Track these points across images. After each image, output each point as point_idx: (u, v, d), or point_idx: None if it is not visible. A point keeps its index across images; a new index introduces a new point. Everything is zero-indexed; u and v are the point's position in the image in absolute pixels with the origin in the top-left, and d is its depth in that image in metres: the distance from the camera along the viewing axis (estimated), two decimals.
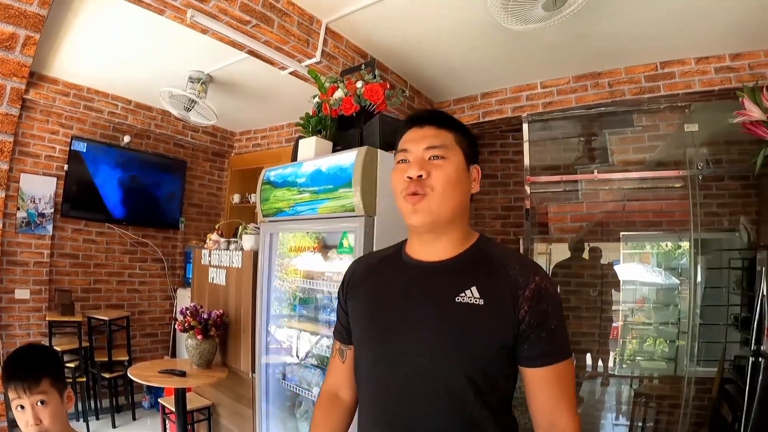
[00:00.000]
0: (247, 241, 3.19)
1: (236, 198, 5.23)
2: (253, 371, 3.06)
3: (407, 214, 1.15)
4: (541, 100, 3.56)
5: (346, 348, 1.30)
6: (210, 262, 3.58)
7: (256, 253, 2.95)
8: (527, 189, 3.62)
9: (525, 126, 3.62)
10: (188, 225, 5.33)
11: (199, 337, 3.18)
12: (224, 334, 3.37)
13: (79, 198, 4.41)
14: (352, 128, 2.44)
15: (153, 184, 4.92)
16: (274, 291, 2.68)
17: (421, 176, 1.12)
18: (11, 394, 1.38)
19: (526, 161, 3.60)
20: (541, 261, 3.94)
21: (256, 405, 2.67)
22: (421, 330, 1.11)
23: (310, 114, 2.55)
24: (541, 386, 1.07)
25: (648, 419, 3.72)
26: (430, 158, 1.14)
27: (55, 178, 4.29)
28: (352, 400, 1.31)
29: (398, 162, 1.19)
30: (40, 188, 4.21)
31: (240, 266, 3.24)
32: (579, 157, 3.96)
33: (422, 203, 1.11)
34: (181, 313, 3.29)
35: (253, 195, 4.82)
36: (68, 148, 4.33)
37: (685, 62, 3.18)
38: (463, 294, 1.09)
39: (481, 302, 1.08)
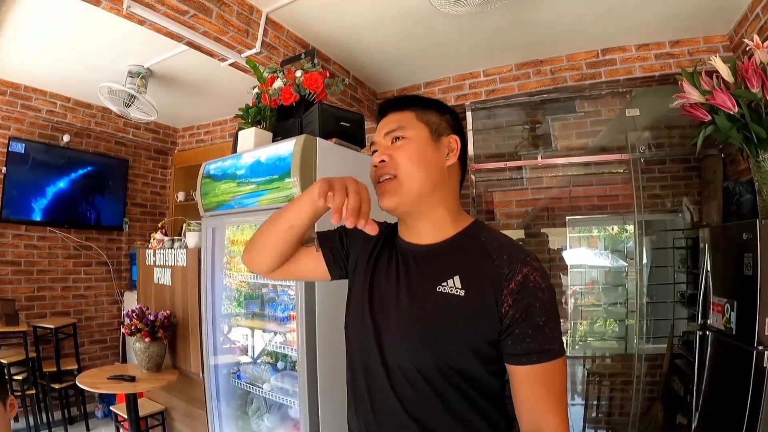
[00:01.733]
0: (192, 238, 3.12)
1: (181, 196, 5.11)
2: (203, 371, 3.01)
3: (378, 200, 1.10)
4: (484, 88, 3.60)
5: (317, 245, 1.28)
6: (155, 261, 3.50)
7: (200, 250, 2.89)
8: (472, 177, 3.65)
9: (468, 114, 3.66)
10: (133, 226, 5.17)
11: (147, 339, 3.11)
12: (173, 335, 3.30)
13: (18, 201, 4.22)
14: (292, 118, 2.41)
15: (95, 184, 4.75)
16: (225, 289, 2.62)
17: (383, 161, 1.10)
18: None
19: (471, 150, 3.64)
20: None
21: (208, 406, 2.62)
22: (399, 318, 1.09)
23: (250, 105, 2.50)
24: (525, 386, 1.00)
25: (602, 397, 3.83)
26: (392, 142, 1.12)
27: None
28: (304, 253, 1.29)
29: (371, 156, 1.16)
30: None
31: (185, 264, 3.18)
32: (523, 144, 4.02)
33: (387, 185, 1.09)
34: (127, 315, 3.21)
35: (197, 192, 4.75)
36: (6, 150, 4.14)
37: (626, 49, 3.26)
38: (444, 283, 1.05)
39: (462, 293, 1.03)
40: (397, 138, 1.11)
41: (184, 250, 3.19)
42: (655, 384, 3.55)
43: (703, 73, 2.39)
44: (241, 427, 2.61)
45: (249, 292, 2.51)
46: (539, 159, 3.69)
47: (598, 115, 3.88)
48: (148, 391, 3.57)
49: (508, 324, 0.98)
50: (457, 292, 1.03)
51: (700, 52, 3.08)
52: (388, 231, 1.24)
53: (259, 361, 2.54)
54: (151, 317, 3.15)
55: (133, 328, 3.12)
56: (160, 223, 3.74)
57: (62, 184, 4.49)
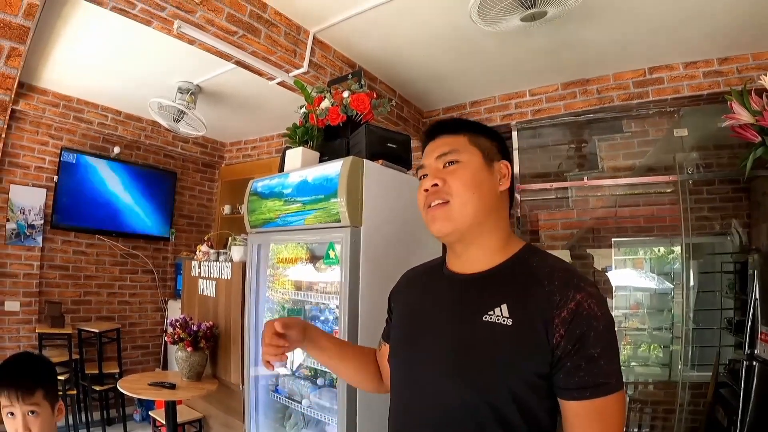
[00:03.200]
0: (237, 253, 3.18)
1: (227, 209, 5.22)
2: (243, 383, 3.04)
3: (428, 225, 1.09)
4: (530, 107, 3.57)
5: (382, 342, 1.31)
6: (200, 273, 3.57)
7: (245, 265, 2.94)
8: (518, 197, 3.61)
9: (514, 134, 3.63)
10: (179, 236, 5.31)
11: (189, 349, 3.17)
12: (214, 346, 3.35)
13: (69, 209, 4.38)
14: (339, 138, 2.43)
15: (143, 195, 4.89)
16: (266, 302, 2.65)
17: (436, 185, 1.06)
18: (3, 400, 1.38)
19: (516, 169, 3.60)
20: None
21: (246, 417, 2.64)
22: (442, 348, 1.03)
23: (297, 124, 2.54)
24: (576, 423, 0.92)
25: (644, 425, 3.71)
26: (444, 166, 1.08)
27: (45, 189, 4.27)
28: (376, 370, 1.34)
29: (419, 178, 1.13)
30: (30, 199, 4.19)
31: (229, 278, 3.23)
32: (568, 165, 3.96)
33: (439, 210, 1.05)
34: (171, 325, 3.27)
35: (243, 206, 4.83)
36: (58, 159, 4.31)
37: (674, 67, 3.19)
38: (491, 312, 0.98)
39: (510, 322, 0.96)
40: (451, 162, 1.07)
41: (229, 263, 3.25)
42: (699, 413, 3.42)
43: (752, 92, 2.31)
44: None
45: (292, 308, 2.53)
46: (585, 180, 3.62)
47: (645, 135, 3.80)
48: (188, 399, 3.63)
49: (559, 356, 0.91)
50: (504, 321, 0.96)
51: (750, 69, 2.98)
52: (433, 266, 1.22)
53: (298, 374, 2.55)
54: (194, 327, 3.21)
55: (176, 337, 3.18)
56: (206, 236, 3.82)
57: (112, 194, 4.65)
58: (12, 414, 1.37)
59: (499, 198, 1.09)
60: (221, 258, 3.39)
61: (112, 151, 4.58)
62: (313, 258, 2.49)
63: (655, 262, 3.90)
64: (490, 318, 0.98)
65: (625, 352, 3.88)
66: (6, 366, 1.45)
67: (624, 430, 0.94)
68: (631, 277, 3.88)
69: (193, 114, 3.54)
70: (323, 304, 2.38)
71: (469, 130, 1.11)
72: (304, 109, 2.57)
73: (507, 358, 0.95)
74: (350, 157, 2.06)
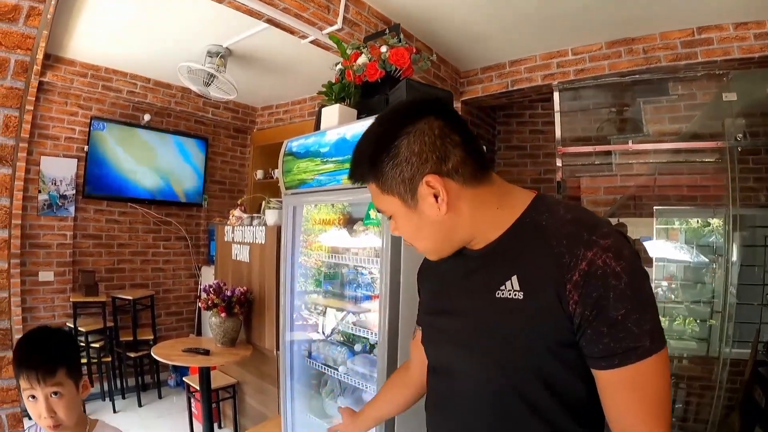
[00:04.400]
0: (271, 216, 3.13)
1: (259, 174, 5.17)
2: (278, 349, 3.02)
3: None
4: (572, 67, 3.41)
5: (417, 327, 1.22)
6: (233, 238, 3.54)
7: (279, 229, 2.89)
8: (558, 161, 3.48)
9: (556, 94, 3.47)
10: (211, 202, 5.29)
11: (223, 314, 3.15)
12: (248, 311, 3.33)
13: (100, 178, 4.39)
14: (377, 95, 2.34)
15: (175, 162, 4.88)
16: (300, 267, 2.61)
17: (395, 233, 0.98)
18: (23, 383, 1.26)
19: (558, 131, 3.46)
20: None
21: (281, 383, 2.62)
22: (461, 331, 0.97)
23: (333, 82, 2.45)
24: (608, 393, 0.83)
25: (677, 400, 3.60)
26: (389, 217, 0.97)
27: (76, 160, 4.29)
28: (419, 373, 1.21)
29: None
30: (61, 170, 4.22)
31: (263, 242, 3.19)
32: (609, 129, 3.80)
33: (420, 251, 1.00)
34: (204, 290, 3.26)
35: (276, 170, 4.75)
36: (88, 129, 4.31)
37: (723, 28, 3.00)
38: (503, 287, 0.88)
39: (521, 296, 0.86)
40: (389, 216, 0.97)
41: (263, 227, 3.21)
42: (735, 391, 3.30)
43: None
44: (313, 406, 2.60)
45: (327, 272, 2.48)
46: (630, 144, 3.46)
47: (693, 99, 3.60)
48: (222, 365, 3.64)
49: (578, 323, 0.80)
50: (515, 295, 0.86)
51: None
52: None
53: (334, 341, 2.51)
54: (228, 293, 3.19)
55: (209, 302, 3.17)
56: (239, 201, 3.79)
57: (143, 161, 4.64)
58: (33, 397, 1.25)
59: (452, 214, 0.90)
60: (255, 222, 3.35)
61: (143, 118, 4.55)
62: (350, 220, 2.43)
63: (694, 233, 3.75)
64: (503, 294, 0.88)
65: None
66: (22, 345, 1.33)
67: (670, 390, 0.81)
68: (669, 248, 3.74)
69: (224, 77, 3.47)
70: (361, 267, 2.32)
71: (371, 176, 0.93)
72: (339, 66, 2.47)
73: (524, 335, 0.86)
74: None
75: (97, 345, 4.13)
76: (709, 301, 3.56)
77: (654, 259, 3.69)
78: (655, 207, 3.68)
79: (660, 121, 3.70)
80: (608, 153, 3.63)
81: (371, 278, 2.26)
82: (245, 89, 3.98)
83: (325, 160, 2.21)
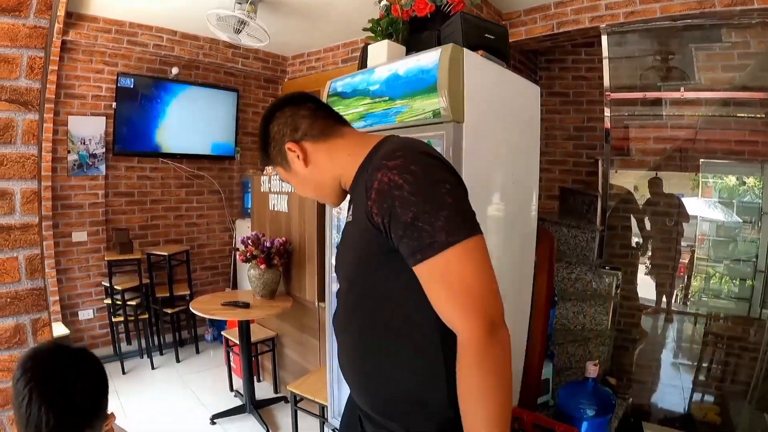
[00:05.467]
0: None
1: None
2: (321, 300, 2.99)
3: None
4: (622, 9, 3.20)
5: None
6: (270, 188, 3.48)
7: None
8: (607, 110, 3.32)
9: (604, 38, 3.28)
10: (244, 154, 5.22)
11: (262, 266, 3.12)
12: (288, 262, 3.29)
13: (130, 135, 4.34)
14: (427, 31, 2.22)
15: (205, 115, 4.78)
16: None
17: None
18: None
19: (606, 77, 3.30)
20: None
21: (327, 335, 2.58)
22: (339, 255, 1.22)
23: (379, 18, 2.33)
24: (425, 286, 0.95)
25: (716, 359, 3.52)
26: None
27: (104, 117, 4.23)
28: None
29: None
30: (90, 129, 4.17)
31: None
32: (656, 76, 3.62)
33: (320, 201, 1.33)
34: (243, 242, 3.22)
35: None
36: (115, 86, 4.23)
37: None
38: (348, 216, 1.16)
39: (350, 218, 1.13)
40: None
41: None
42: None
43: None
44: None
45: None
46: (681, 92, 3.29)
47: (746, 47, 3.39)
48: (261, 318, 3.63)
49: (385, 232, 0.97)
50: (348, 219, 1.15)
51: None
52: None
53: None
54: (267, 244, 3.15)
55: (248, 254, 3.13)
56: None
57: (173, 116, 4.56)
58: None
59: (313, 161, 1.16)
60: None
61: (170, 72, 4.46)
62: None
63: (727, 192, 3.60)
64: (348, 220, 1.16)
65: (696, 283, 3.67)
66: (35, 382, 0.97)
67: (485, 278, 0.91)
68: (709, 204, 3.60)
69: (255, 23, 3.34)
70: None
71: (269, 161, 1.25)
72: (384, 2, 2.35)
73: (354, 249, 1.11)
74: (450, 45, 1.85)
75: (133, 302, 4.16)
76: (752, 260, 3.45)
77: (696, 216, 3.56)
78: (701, 160, 3.53)
79: (712, 69, 3.50)
80: (657, 101, 3.46)
81: None
82: (275, 38, 3.82)
83: (374, 98, 2.11)
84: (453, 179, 0.98)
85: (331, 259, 2.48)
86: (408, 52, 2.22)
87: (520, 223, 2.29)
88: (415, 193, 0.92)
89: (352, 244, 1.11)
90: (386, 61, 2.14)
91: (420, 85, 1.90)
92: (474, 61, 1.92)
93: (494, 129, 2.05)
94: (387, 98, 2.05)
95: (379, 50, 2.20)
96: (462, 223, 0.92)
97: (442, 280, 0.91)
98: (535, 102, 2.37)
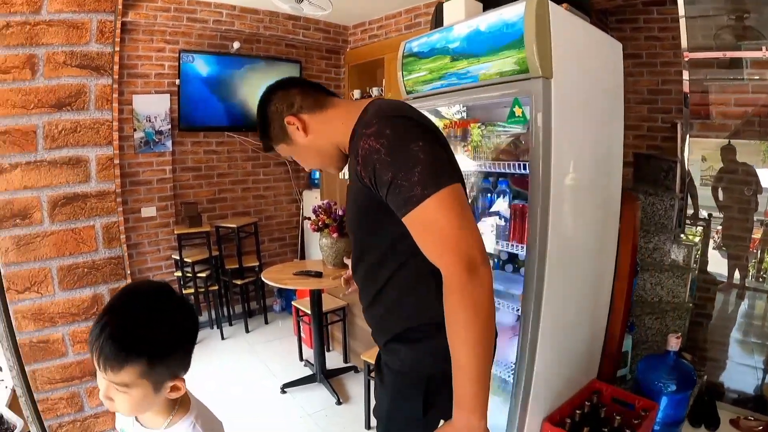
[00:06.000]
0: None
1: (356, 94, 4.99)
2: None
3: None
4: None
5: None
6: None
7: None
8: (685, 74, 3.11)
9: None
10: None
11: (335, 235, 3.13)
12: None
13: (194, 110, 4.41)
14: None
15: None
16: None
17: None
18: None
19: (683, 36, 3.08)
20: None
21: None
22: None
23: None
24: (413, 235, 1.07)
25: None
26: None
27: (168, 95, 4.31)
28: None
29: None
30: (155, 107, 4.26)
31: None
32: (730, 35, 3.35)
33: (325, 170, 1.41)
34: (314, 211, 3.24)
35: (375, 88, 4.58)
36: (177, 63, 4.28)
37: None
38: (346, 177, 1.32)
39: (349, 181, 1.27)
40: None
41: None
42: None
43: None
44: None
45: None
46: (764, 51, 3.04)
47: None
48: (333, 287, 3.67)
49: (376, 191, 1.09)
50: (348, 182, 1.32)
51: None
52: None
53: None
54: (339, 212, 3.16)
55: (320, 223, 3.15)
56: None
57: (236, 89, 4.60)
58: None
59: (312, 130, 1.27)
60: None
61: (232, 47, 4.48)
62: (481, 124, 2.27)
63: None
64: (348, 183, 1.36)
65: None
66: (106, 315, 0.94)
67: (459, 222, 1.01)
68: None
69: None
70: (498, 174, 2.18)
71: (272, 141, 1.35)
72: None
73: (353, 208, 1.26)
74: None
75: (203, 274, 4.29)
76: None
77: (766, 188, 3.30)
78: None
79: None
80: (735, 62, 3.21)
81: (506, 185, 2.11)
82: (336, 6, 3.73)
83: (455, 56, 2.04)
84: (426, 135, 1.09)
85: None
86: (485, 9, 2.13)
87: (604, 187, 2.20)
88: (391, 154, 1.04)
89: (353, 202, 1.25)
90: (464, 18, 2.06)
91: (504, 40, 1.83)
92: (559, 14, 1.82)
93: (581, 86, 1.96)
94: (469, 55, 1.98)
95: (456, 7, 2.12)
96: (434, 176, 1.02)
97: (423, 228, 1.04)
98: (618, 60, 2.25)
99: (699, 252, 3.22)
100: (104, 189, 1.34)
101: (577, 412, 2.00)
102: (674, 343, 2.25)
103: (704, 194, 3.36)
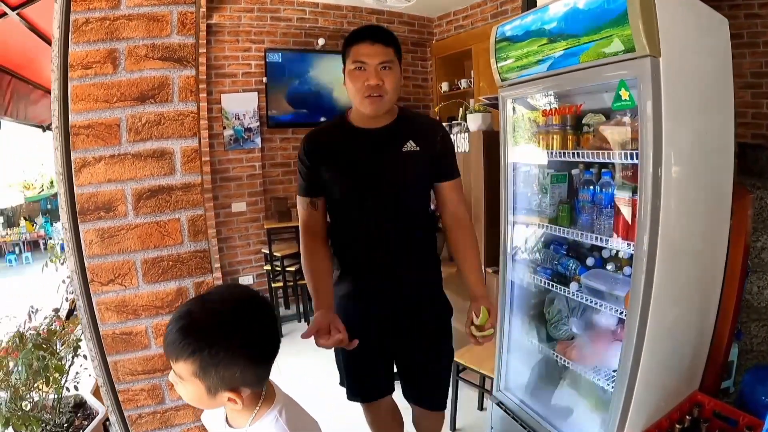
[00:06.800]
0: (473, 122, 2.89)
1: (444, 86, 4.92)
2: (490, 265, 2.83)
3: (366, 108, 1.57)
4: None
5: (317, 199, 1.69)
6: None
7: (485, 133, 2.67)
8: None
9: None
10: None
11: None
12: None
13: (283, 107, 4.48)
14: None
15: None
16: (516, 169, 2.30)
17: (379, 84, 1.53)
18: None
19: None
20: None
21: (500, 304, 2.41)
22: (388, 173, 1.64)
23: None
24: (450, 193, 1.74)
25: None
26: (381, 68, 1.53)
27: (256, 93, 4.43)
28: (325, 236, 1.73)
29: (355, 69, 1.55)
30: (243, 105, 4.39)
31: (467, 150, 2.96)
32: None
33: (380, 103, 1.56)
34: None
35: (462, 81, 4.46)
36: (263, 62, 4.40)
37: None
38: (407, 145, 1.63)
39: (418, 149, 1.64)
40: (385, 67, 1.54)
41: (466, 134, 2.98)
42: None
43: None
44: (535, 331, 2.37)
45: (555, 172, 2.14)
46: None
47: None
48: None
49: (439, 158, 1.69)
50: (414, 149, 1.64)
51: None
52: (337, 127, 1.71)
53: (557, 250, 2.23)
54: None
55: None
56: (436, 108, 3.56)
57: (323, 86, 4.64)
58: None
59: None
60: (455, 130, 3.12)
61: (317, 43, 4.52)
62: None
63: None
64: (407, 149, 1.64)
65: None
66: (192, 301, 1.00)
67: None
68: None
69: None
70: (599, 164, 1.96)
71: (395, 46, 1.59)
72: None
73: (419, 169, 1.66)
74: None
75: (292, 268, 4.34)
76: None
77: None
78: None
79: None
80: None
81: (610, 176, 1.88)
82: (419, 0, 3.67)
83: (552, 38, 1.86)
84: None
85: (507, 218, 2.30)
86: None
87: (715, 179, 1.92)
88: (451, 145, 1.81)
89: (417, 165, 1.66)
90: None
91: (606, 17, 1.63)
92: None
93: (691, 67, 1.70)
94: (567, 36, 1.80)
95: None
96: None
97: (458, 190, 1.76)
98: (726, 38, 1.92)
99: None
100: (190, 181, 1.33)
101: (677, 426, 1.77)
102: None
103: None
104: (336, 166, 1.64)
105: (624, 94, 1.68)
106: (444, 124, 3.29)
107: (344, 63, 1.59)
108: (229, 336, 0.90)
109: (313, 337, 1.40)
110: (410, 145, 1.62)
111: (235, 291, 1.01)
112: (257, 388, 0.99)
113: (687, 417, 1.81)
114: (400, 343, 1.77)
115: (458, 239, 1.73)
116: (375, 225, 1.65)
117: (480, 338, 1.62)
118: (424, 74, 5.39)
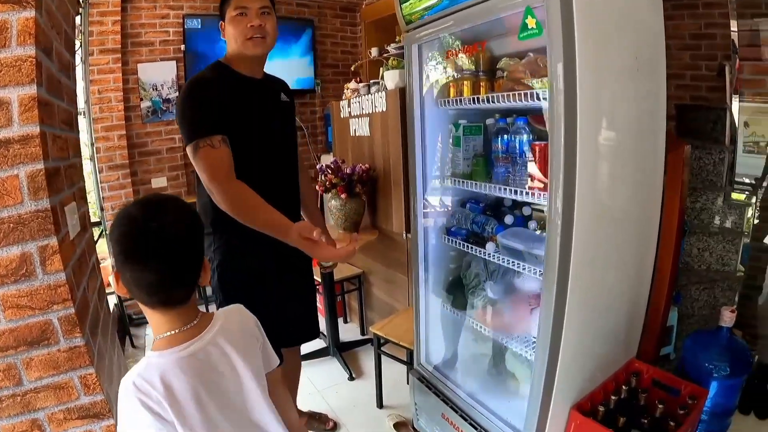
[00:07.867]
0: (390, 79, 2.75)
1: (374, 52, 4.70)
2: (408, 231, 2.72)
3: (250, 49, 1.66)
4: None
5: (221, 137, 1.59)
6: (350, 112, 3.24)
7: (402, 90, 2.52)
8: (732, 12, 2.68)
9: None
10: (325, 87, 5.03)
11: (343, 195, 2.89)
12: (372, 191, 3.05)
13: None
14: None
15: (280, 48, 4.54)
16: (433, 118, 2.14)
17: (261, 25, 1.64)
18: None
19: None
20: None
21: (413, 270, 2.29)
22: (279, 122, 1.82)
23: None
24: None
25: None
26: (262, 13, 1.65)
27: (174, 61, 4.20)
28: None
29: (237, 15, 1.63)
30: (161, 74, 4.16)
31: (385, 109, 2.82)
32: None
33: (263, 44, 1.68)
34: (321, 171, 3.00)
35: (392, 45, 4.31)
36: (182, 29, 4.16)
37: None
38: (282, 96, 1.85)
39: (289, 100, 1.90)
40: (265, 12, 1.67)
41: (383, 92, 2.84)
42: None
43: None
44: (452, 298, 2.26)
45: (468, 124, 2.00)
46: None
47: None
48: None
49: None
50: (287, 100, 1.90)
51: None
52: (222, 73, 1.68)
53: (472, 208, 2.11)
54: (348, 171, 2.90)
55: (328, 183, 2.92)
56: (353, 67, 3.41)
57: None
58: None
59: None
60: (373, 90, 2.98)
61: None
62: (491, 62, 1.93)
63: None
64: (284, 99, 1.87)
65: None
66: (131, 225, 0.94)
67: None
68: None
69: None
70: (516, 111, 1.82)
71: None
72: None
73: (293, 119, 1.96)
74: None
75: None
76: None
77: None
78: None
79: None
80: None
81: (524, 122, 1.75)
82: None
83: None
84: None
85: (417, 178, 2.16)
86: None
87: (646, 120, 1.76)
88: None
89: (293, 115, 1.96)
90: None
91: None
92: None
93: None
94: None
95: None
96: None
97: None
98: None
99: (757, 215, 2.82)
100: (28, 132, 1.16)
101: (612, 398, 1.66)
102: (728, 318, 1.90)
103: (745, 162, 2.95)
104: (236, 116, 1.62)
105: (531, 22, 1.49)
106: (363, 84, 3.18)
107: (223, 17, 1.68)
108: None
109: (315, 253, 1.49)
110: (284, 97, 1.84)
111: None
112: None
113: (624, 387, 1.71)
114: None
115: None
116: (276, 175, 1.76)
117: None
118: (353, 40, 5.24)
